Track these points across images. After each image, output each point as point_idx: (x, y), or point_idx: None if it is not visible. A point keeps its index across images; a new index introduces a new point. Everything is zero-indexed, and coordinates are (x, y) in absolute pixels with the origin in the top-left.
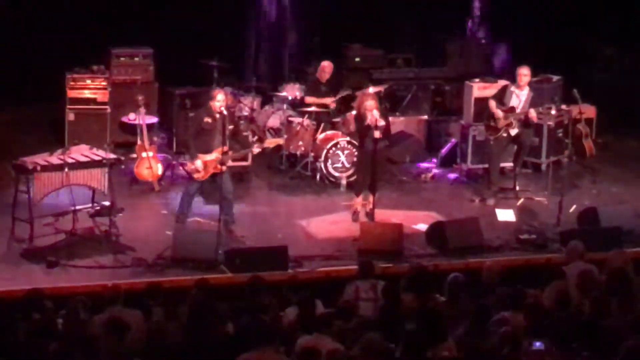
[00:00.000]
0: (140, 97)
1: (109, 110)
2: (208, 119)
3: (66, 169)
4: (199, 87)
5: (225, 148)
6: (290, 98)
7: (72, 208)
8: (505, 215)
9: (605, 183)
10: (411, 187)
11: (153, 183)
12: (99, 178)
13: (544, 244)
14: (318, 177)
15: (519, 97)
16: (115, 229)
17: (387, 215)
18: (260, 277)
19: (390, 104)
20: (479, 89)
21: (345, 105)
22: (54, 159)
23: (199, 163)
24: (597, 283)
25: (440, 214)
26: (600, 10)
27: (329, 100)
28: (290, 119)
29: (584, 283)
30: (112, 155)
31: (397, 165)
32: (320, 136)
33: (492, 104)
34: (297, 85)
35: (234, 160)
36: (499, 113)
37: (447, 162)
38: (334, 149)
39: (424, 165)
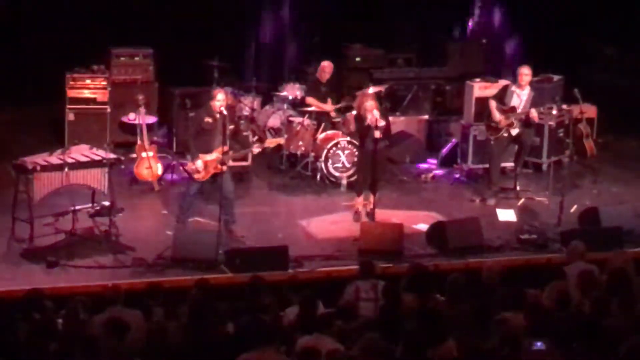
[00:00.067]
0: (140, 97)
1: (108, 110)
2: (208, 119)
3: (66, 169)
4: (199, 87)
5: (226, 148)
6: (290, 98)
7: (72, 208)
8: (506, 215)
9: (606, 183)
10: (411, 187)
11: (153, 183)
12: (98, 178)
13: (545, 244)
14: (318, 177)
15: (520, 96)
16: (115, 229)
17: (388, 215)
18: (261, 277)
19: (390, 103)
20: (480, 88)
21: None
22: (54, 159)
23: (199, 163)
24: (598, 283)
25: (441, 214)
26: (601, 10)
27: (330, 107)
28: (290, 118)
29: (585, 283)
30: (112, 155)
31: (397, 165)
32: (321, 136)
33: (493, 104)
34: (298, 85)
35: (234, 160)
36: (497, 116)
37: (448, 162)
38: (334, 148)
39: (424, 166)
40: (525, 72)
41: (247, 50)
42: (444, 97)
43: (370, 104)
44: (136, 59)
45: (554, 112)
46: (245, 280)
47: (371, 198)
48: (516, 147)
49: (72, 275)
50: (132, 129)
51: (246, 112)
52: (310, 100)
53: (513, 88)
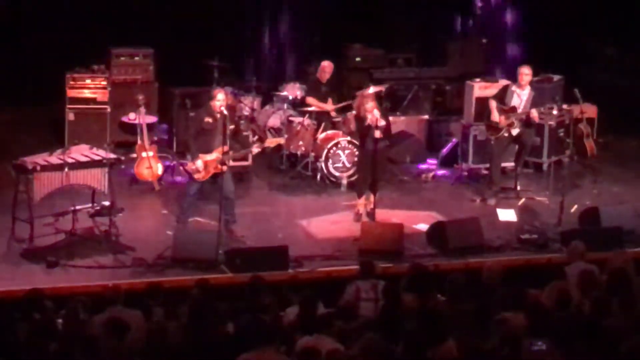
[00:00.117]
0: (140, 97)
1: (109, 110)
2: (209, 119)
3: (66, 169)
4: (199, 86)
5: (226, 148)
6: (290, 98)
7: (72, 208)
8: (506, 215)
9: (606, 183)
10: (412, 187)
11: (153, 183)
12: (99, 178)
13: (545, 243)
14: (319, 177)
15: (520, 96)
16: (115, 229)
17: (388, 215)
18: (261, 277)
19: (390, 103)
20: (480, 88)
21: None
22: (54, 159)
23: (199, 163)
24: (598, 283)
25: (441, 214)
26: (601, 10)
27: (330, 107)
28: (290, 118)
29: (585, 283)
30: (112, 155)
31: (397, 165)
32: (321, 136)
33: (493, 104)
34: (298, 85)
35: (234, 160)
36: (496, 116)
37: (448, 162)
38: (334, 148)
39: (424, 166)
40: (526, 72)
41: (247, 50)
42: (444, 97)
43: (370, 105)
44: (136, 58)
45: (555, 112)
46: (246, 280)
47: (371, 198)
48: (516, 147)
49: (72, 275)
50: (132, 128)
51: (246, 112)
52: (310, 100)
53: (513, 88)
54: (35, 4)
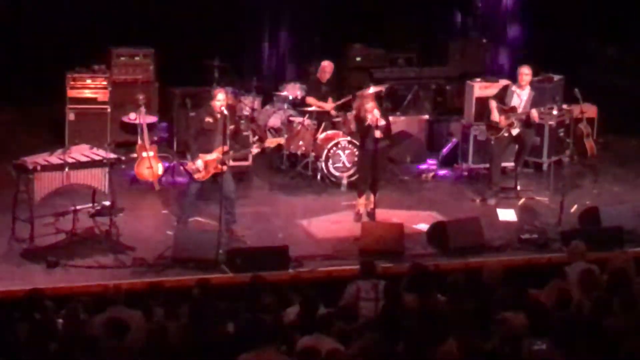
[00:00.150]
0: (140, 97)
1: (109, 110)
2: (209, 119)
3: (66, 169)
4: (199, 86)
5: (226, 148)
6: (291, 98)
7: (73, 208)
8: (507, 215)
9: (606, 183)
10: (412, 187)
11: (153, 182)
12: (99, 178)
13: (546, 243)
14: (319, 176)
15: (520, 96)
16: (116, 229)
17: (388, 215)
18: (261, 277)
19: (391, 103)
20: (480, 88)
21: (345, 103)
22: (55, 159)
23: (199, 163)
24: (599, 283)
25: (441, 213)
26: (601, 10)
27: (329, 107)
28: (291, 118)
29: (585, 283)
30: (113, 155)
31: (397, 165)
32: (321, 136)
33: (493, 104)
34: (298, 85)
35: (234, 160)
36: (495, 116)
37: (448, 162)
38: (334, 148)
39: (424, 167)
40: (526, 72)
41: (247, 50)
42: (445, 96)
43: (370, 105)
44: (137, 58)
45: (555, 112)
46: (246, 280)
47: (372, 198)
48: (516, 146)
49: (72, 275)
50: (132, 128)
51: (247, 111)
52: (310, 100)
53: (513, 88)
54: (35, 4)
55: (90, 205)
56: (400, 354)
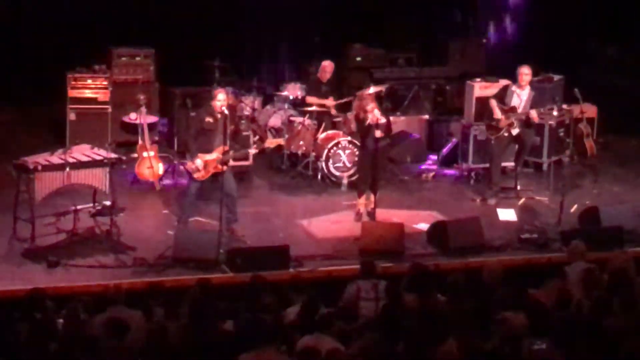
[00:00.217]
0: (141, 97)
1: (110, 110)
2: (209, 119)
3: (67, 169)
4: (200, 86)
5: (226, 148)
6: (291, 97)
7: (73, 208)
8: (507, 214)
9: (606, 183)
10: (412, 187)
11: (154, 182)
12: (100, 177)
13: (545, 243)
14: (319, 176)
15: (520, 96)
16: (116, 229)
17: (389, 214)
18: (262, 277)
19: (391, 103)
20: (480, 88)
21: (346, 103)
22: (55, 159)
23: (199, 162)
24: (599, 283)
25: (442, 213)
26: (601, 10)
27: (331, 103)
28: (291, 118)
29: (585, 283)
30: (114, 155)
31: (398, 165)
32: (322, 136)
33: (494, 103)
34: (299, 85)
35: (234, 159)
36: (498, 114)
37: (448, 162)
38: (335, 148)
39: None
40: (525, 72)
41: (247, 50)
42: (445, 96)
43: (370, 106)
44: (137, 58)
45: (555, 113)
46: (246, 280)
47: (372, 198)
48: (516, 146)
49: (73, 275)
50: (133, 128)
51: (247, 112)
52: (310, 99)
53: (513, 88)
54: (35, 4)
55: (91, 205)
56: (400, 354)
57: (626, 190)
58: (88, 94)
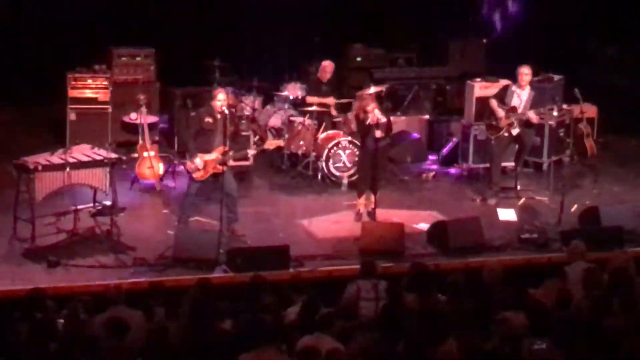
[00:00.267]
0: (141, 97)
1: (110, 110)
2: (209, 119)
3: (67, 169)
4: (200, 86)
5: (226, 148)
6: (291, 97)
7: (74, 208)
8: (507, 214)
9: (606, 183)
10: (412, 187)
11: (154, 182)
12: (100, 177)
13: (546, 243)
14: (319, 176)
15: (520, 96)
16: (117, 229)
17: (389, 214)
18: (262, 277)
19: (391, 103)
20: (481, 88)
21: (346, 103)
22: (56, 159)
23: (198, 162)
24: (599, 283)
25: (442, 213)
26: (601, 10)
27: (332, 101)
28: (291, 118)
29: (586, 283)
30: (114, 155)
31: (398, 165)
32: (322, 136)
33: (494, 103)
34: (299, 85)
35: (233, 160)
36: (501, 112)
37: (449, 162)
38: (335, 148)
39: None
40: (526, 72)
41: (247, 50)
42: (445, 96)
43: (370, 107)
44: (137, 58)
45: (555, 113)
46: (246, 280)
47: (372, 198)
48: (516, 146)
49: (73, 274)
50: (133, 128)
51: (247, 112)
52: (311, 99)
53: (513, 88)
54: (35, 4)
55: (91, 205)
56: (400, 353)
57: (626, 190)
58: (88, 94)
